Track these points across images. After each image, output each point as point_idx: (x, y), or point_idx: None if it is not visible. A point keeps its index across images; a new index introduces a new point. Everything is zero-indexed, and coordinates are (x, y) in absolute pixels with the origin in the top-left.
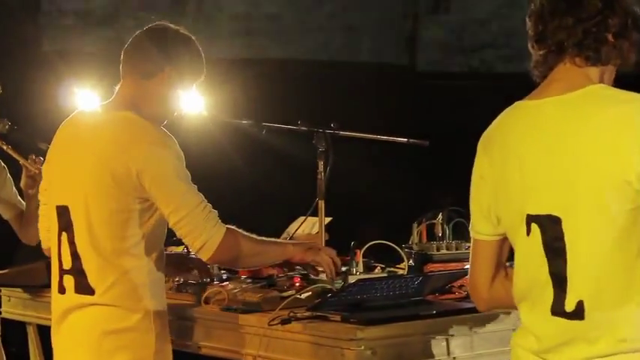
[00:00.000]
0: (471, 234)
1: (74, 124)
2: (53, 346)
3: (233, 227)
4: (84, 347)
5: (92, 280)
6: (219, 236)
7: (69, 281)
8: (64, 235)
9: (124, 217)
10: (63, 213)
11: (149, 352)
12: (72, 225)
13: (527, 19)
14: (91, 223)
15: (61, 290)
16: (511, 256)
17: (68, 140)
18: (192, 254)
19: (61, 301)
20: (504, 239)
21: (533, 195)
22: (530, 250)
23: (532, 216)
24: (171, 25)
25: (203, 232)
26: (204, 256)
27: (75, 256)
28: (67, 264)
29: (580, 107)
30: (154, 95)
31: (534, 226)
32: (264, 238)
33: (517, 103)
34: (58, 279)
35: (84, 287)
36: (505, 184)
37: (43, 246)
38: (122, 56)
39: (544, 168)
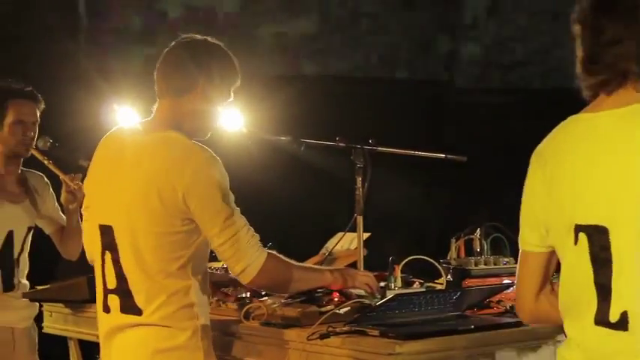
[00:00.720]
0: (520, 245)
1: (116, 141)
2: None
3: (274, 253)
4: None
5: (140, 301)
6: (260, 262)
7: (114, 301)
8: (108, 254)
9: (172, 239)
10: (106, 232)
11: None
12: (116, 245)
13: (578, 44)
14: (137, 245)
15: (106, 309)
16: (556, 270)
17: (110, 158)
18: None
19: (107, 320)
20: (552, 252)
21: (583, 205)
22: (577, 260)
23: (580, 226)
24: (198, 36)
25: (244, 257)
26: (244, 281)
27: (120, 276)
28: (112, 284)
29: (633, 120)
30: (191, 111)
31: (582, 236)
32: (302, 264)
33: (571, 117)
34: (102, 298)
35: (130, 307)
36: (557, 195)
37: (88, 258)
38: (155, 75)
39: (594, 178)
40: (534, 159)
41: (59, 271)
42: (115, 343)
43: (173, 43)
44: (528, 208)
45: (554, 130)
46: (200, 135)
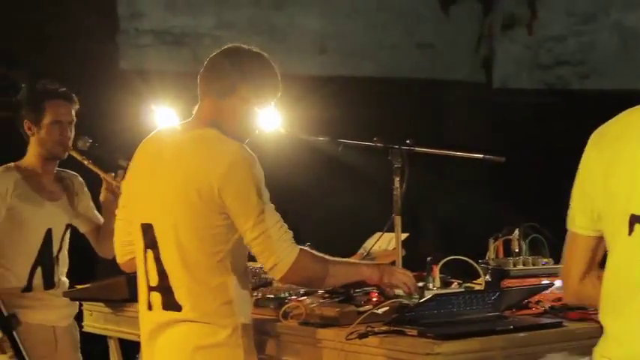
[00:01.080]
0: (568, 226)
1: (155, 142)
2: None
3: (306, 248)
4: None
5: (179, 296)
6: (292, 257)
7: (156, 298)
8: (150, 252)
9: (211, 233)
10: (147, 231)
11: None
12: (157, 243)
13: None
14: (180, 241)
15: (149, 307)
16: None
17: (150, 158)
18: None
19: (150, 318)
20: (600, 238)
21: None
22: (629, 251)
23: (637, 216)
24: (244, 46)
25: (276, 252)
26: (276, 276)
27: (161, 273)
28: (154, 281)
29: None
30: (231, 114)
31: (638, 227)
32: (337, 259)
33: (637, 106)
34: (145, 296)
35: (171, 304)
36: (613, 182)
37: (119, 260)
38: (198, 79)
39: None
40: (594, 140)
41: (98, 271)
42: (158, 341)
43: (220, 51)
44: (581, 191)
45: (619, 116)
46: (240, 138)
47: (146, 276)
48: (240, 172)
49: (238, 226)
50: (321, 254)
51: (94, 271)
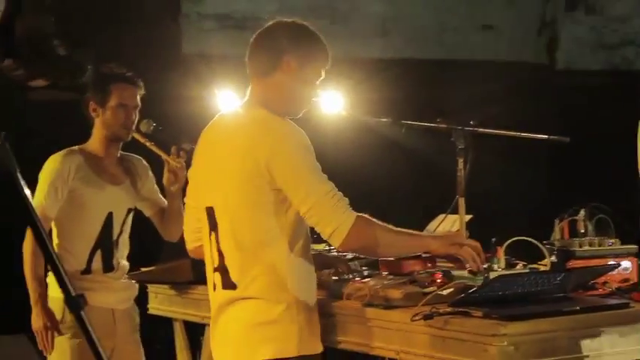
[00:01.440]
0: None
1: (215, 127)
2: (211, 341)
3: (366, 215)
4: (234, 341)
5: (234, 275)
6: (350, 222)
7: (217, 278)
8: (213, 235)
9: (262, 209)
10: (210, 214)
11: (292, 344)
12: (217, 225)
13: None
14: (232, 219)
15: (213, 288)
16: None
17: (210, 143)
18: (332, 249)
19: (214, 298)
20: None
21: None
22: None
23: None
24: (285, 19)
25: (333, 219)
26: (336, 243)
27: (220, 254)
28: (216, 262)
29: None
30: (277, 90)
31: None
32: (401, 229)
33: None
34: (211, 277)
35: (228, 283)
36: None
37: (188, 247)
38: (246, 59)
39: None
40: None
41: (163, 253)
42: (219, 321)
43: (256, 32)
44: None
45: None
46: (291, 113)
47: (211, 258)
48: (286, 145)
49: (292, 199)
50: (382, 222)
51: (158, 254)
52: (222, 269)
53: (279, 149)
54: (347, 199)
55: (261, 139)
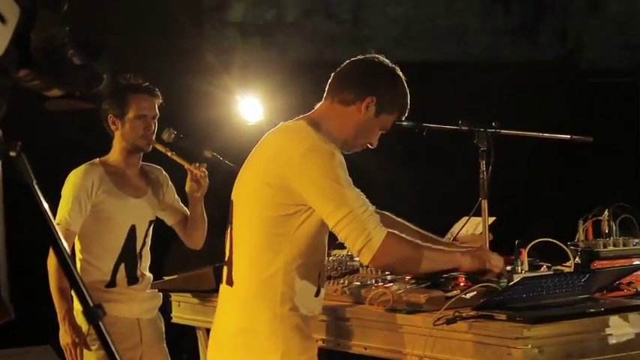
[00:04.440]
0: None
1: (272, 130)
2: (209, 337)
3: (396, 232)
4: (220, 344)
5: (235, 272)
6: (380, 238)
7: (225, 272)
8: (229, 228)
9: (274, 216)
10: (231, 207)
11: (274, 357)
12: (232, 219)
13: None
14: (244, 219)
15: (222, 281)
16: None
17: (260, 143)
18: (355, 258)
19: (220, 292)
20: None
21: None
22: None
23: None
24: (383, 59)
25: (363, 233)
26: (365, 259)
27: (231, 248)
28: (227, 255)
29: None
30: (342, 121)
31: None
32: (430, 245)
33: None
34: (225, 269)
35: (229, 279)
36: None
37: None
38: (330, 78)
39: None
40: None
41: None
42: (216, 316)
43: (354, 59)
44: None
45: None
46: (340, 146)
47: (226, 250)
48: (312, 161)
49: (321, 213)
50: (412, 239)
51: (180, 263)
52: (229, 264)
53: (305, 165)
54: (378, 215)
55: (289, 152)
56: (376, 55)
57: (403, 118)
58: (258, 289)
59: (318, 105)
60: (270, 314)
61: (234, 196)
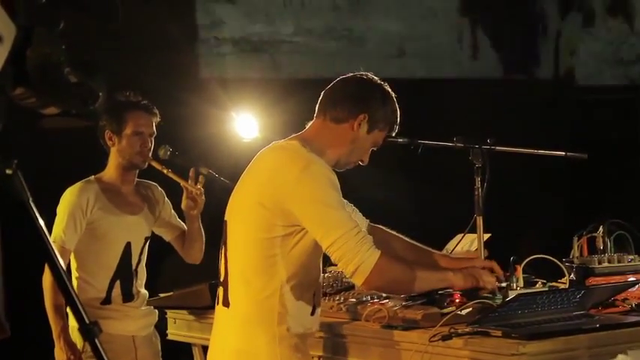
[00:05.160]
0: None
1: (265, 149)
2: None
3: (389, 254)
4: None
5: (231, 293)
6: (373, 259)
7: (220, 293)
8: (223, 248)
9: (268, 237)
10: (224, 227)
11: None
12: (227, 240)
13: None
14: (238, 239)
15: (217, 301)
16: None
17: (253, 161)
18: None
19: (215, 313)
20: None
21: None
22: None
23: None
24: (372, 76)
25: (356, 255)
26: (358, 281)
27: (225, 269)
28: (221, 276)
29: None
30: (340, 137)
31: None
32: (423, 264)
33: None
34: (219, 291)
35: (225, 300)
36: None
37: None
38: (320, 96)
39: None
40: None
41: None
42: (212, 337)
43: (344, 76)
44: None
45: None
46: (333, 164)
47: (220, 271)
48: (306, 183)
49: (313, 234)
50: (403, 260)
51: (175, 280)
52: (224, 285)
53: (299, 186)
54: (371, 237)
55: (283, 173)
56: (364, 72)
57: (393, 134)
58: (255, 310)
59: (310, 123)
60: (269, 336)
61: (227, 216)
